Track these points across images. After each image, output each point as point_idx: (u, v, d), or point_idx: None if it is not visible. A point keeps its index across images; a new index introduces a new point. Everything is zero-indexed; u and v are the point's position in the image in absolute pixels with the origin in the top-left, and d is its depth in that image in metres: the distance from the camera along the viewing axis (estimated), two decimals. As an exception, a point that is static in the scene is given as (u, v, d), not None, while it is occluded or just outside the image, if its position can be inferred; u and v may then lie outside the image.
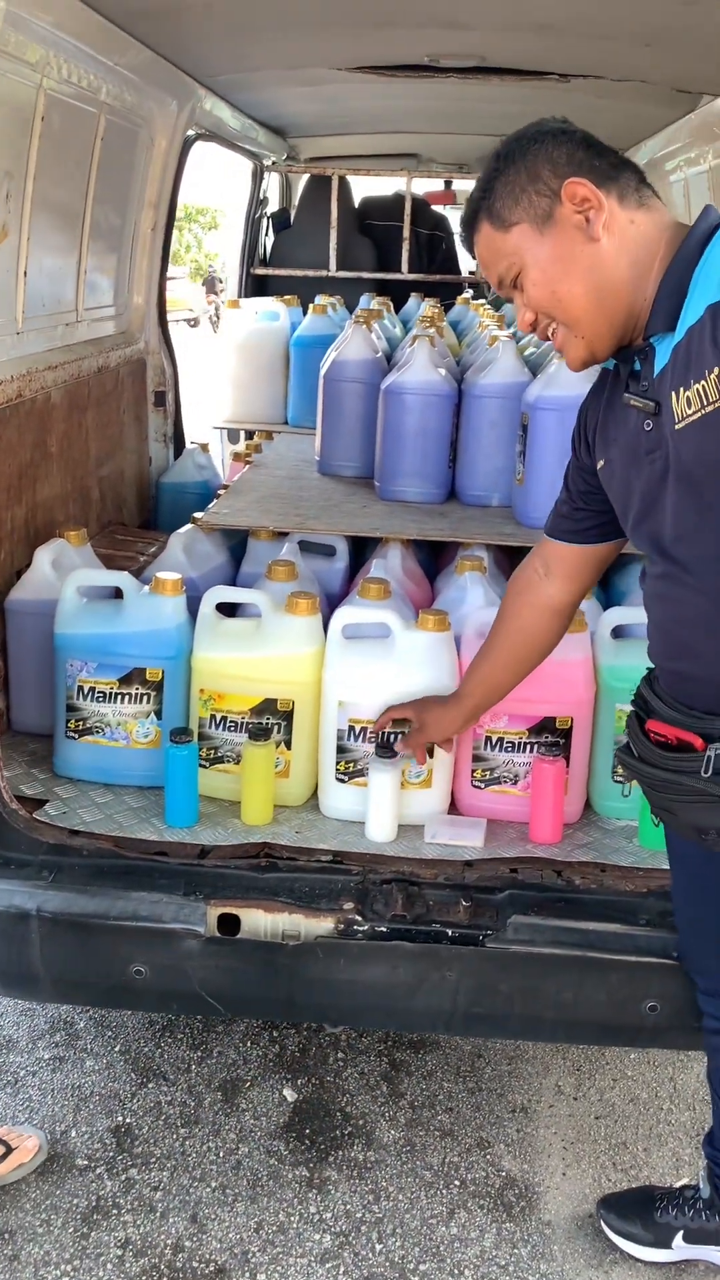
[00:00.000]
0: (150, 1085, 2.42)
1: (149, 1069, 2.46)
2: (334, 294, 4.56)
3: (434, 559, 2.98)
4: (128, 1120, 2.32)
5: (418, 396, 2.90)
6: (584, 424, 1.79)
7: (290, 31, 2.94)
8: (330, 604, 2.55)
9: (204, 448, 3.78)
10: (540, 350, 3.50)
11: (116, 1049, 2.51)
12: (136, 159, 3.31)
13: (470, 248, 1.63)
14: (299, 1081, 2.43)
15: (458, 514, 2.89)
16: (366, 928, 2.02)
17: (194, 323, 21.99)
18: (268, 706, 2.20)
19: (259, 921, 2.03)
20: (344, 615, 2.18)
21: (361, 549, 2.93)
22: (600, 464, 1.72)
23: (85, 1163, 2.20)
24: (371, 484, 3.05)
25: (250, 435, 4.06)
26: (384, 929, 2.02)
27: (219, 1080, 2.43)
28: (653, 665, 1.73)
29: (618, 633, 2.25)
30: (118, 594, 2.29)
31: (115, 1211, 2.10)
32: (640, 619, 2.25)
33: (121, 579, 2.27)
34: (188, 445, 3.84)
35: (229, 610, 2.35)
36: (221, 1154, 2.24)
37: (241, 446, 3.77)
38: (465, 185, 6.17)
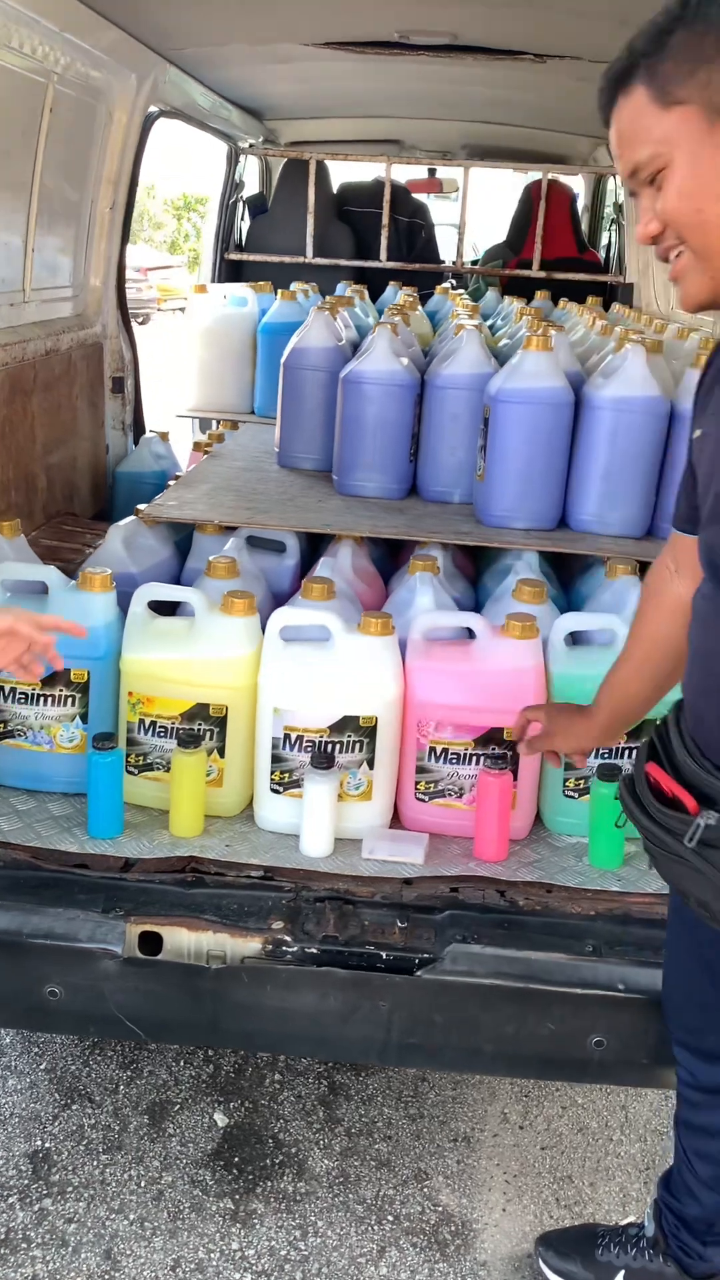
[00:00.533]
0: (74, 1107, 2.29)
1: (74, 1089, 2.34)
2: (311, 281, 4.44)
3: (392, 557, 2.85)
4: (47, 1145, 2.20)
5: (377, 386, 2.77)
6: (700, 386, 1.45)
7: (254, 3, 2.81)
8: (277, 603, 2.43)
9: (163, 436, 3.65)
10: (512, 341, 3.38)
11: (42, 1067, 2.39)
12: (93, 134, 3.17)
13: (605, 112, 1.28)
14: (232, 1105, 2.31)
15: (417, 510, 2.76)
16: (296, 949, 1.90)
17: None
18: (200, 712, 2.08)
19: (182, 940, 1.91)
20: (282, 616, 2.06)
21: (318, 546, 2.81)
22: (696, 433, 1.44)
23: (-3, 1191, 2.08)
24: (331, 478, 2.92)
25: (216, 424, 3.93)
26: (314, 951, 1.90)
27: (147, 1103, 2.31)
28: None
29: (574, 639, 2.13)
30: (46, 590, 2.16)
31: (24, 1245, 1.97)
32: (597, 624, 2.15)
33: (47, 573, 2.14)
34: (147, 433, 3.70)
35: (169, 610, 2.23)
36: (143, 1183, 2.12)
37: (204, 436, 3.64)
38: (449, 174, 6.04)
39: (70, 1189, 2.10)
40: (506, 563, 2.58)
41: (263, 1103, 2.33)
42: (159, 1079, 2.38)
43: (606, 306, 4.57)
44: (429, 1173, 2.18)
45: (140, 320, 20.54)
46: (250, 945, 1.90)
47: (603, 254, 5.49)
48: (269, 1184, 2.14)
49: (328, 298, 3.63)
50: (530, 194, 5.23)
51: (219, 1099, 2.33)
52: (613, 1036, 1.89)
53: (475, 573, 2.76)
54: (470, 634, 2.11)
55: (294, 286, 4.11)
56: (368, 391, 2.78)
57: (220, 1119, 2.28)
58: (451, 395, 2.78)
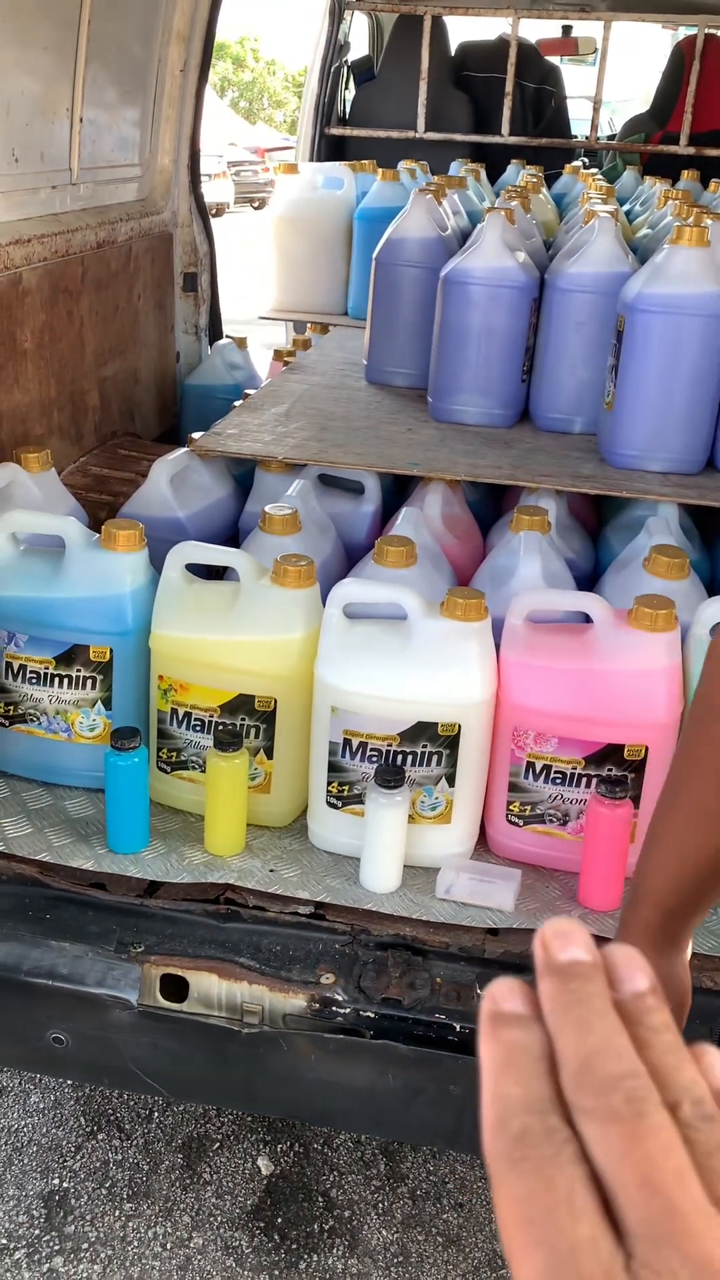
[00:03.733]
0: (100, 1137, 2.00)
1: (102, 1114, 2.05)
2: (421, 159, 3.86)
3: (495, 498, 2.38)
4: (65, 1185, 1.91)
5: (483, 287, 2.26)
6: None
7: None
8: (353, 561, 2.00)
9: (240, 342, 3.19)
10: (655, 232, 2.80)
11: (68, 1081, 2.10)
12: (158, -24, 2.66)
13: None
14: (279, 1148, 1.99)
15: (527, 443, 2.27)
16: (348, 1011, 1.53)
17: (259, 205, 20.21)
18: (243, 704, 1.68)
19: (211, 989, 1.56)
20: (346, 590, 1.63)
21: (405, 485, 2.35)
22: None
23: (3, 1241, 1.80)
24: (426, 399, 2.45)
25: (303, 329, 3.45)
26: (371, 1015, 1.52)
27: (183, 1136, 2.01)
28: None
29: (720, 629, 1.65)
30: (64, 545, 1.77)
31: (27, 1317, 1.70)
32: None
33: (64, 525, 1.75)
34: (222, 340, 3.25)
35: (216, 574, 1.83)
36: (169, 1244, 1.82)
37: (288, 342, 3.18)
38: (588, 30, 5.26)
39: (86, 1246, 1.81)
40: (638, 514, 2.09)
41: (315, 1147, 2.00)
42: (200, 1107, 2.07)
43: (768, 188, 3.87)
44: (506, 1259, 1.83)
45: (256, 205, 19.73)
46: (293, 1002, 1.54)
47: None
48: (315, 1258, 1.81)
49: (435, 178, 3.08)
50: (682, 53, 4.48)
51: (265, 1138, 2.01)
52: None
53: (598, 523, 2.27)
54: (587, 619, 1.65)
55: (400, 166, 3.56)
56: (472, 293, 2.27)
57: (265, 1165, 1.96)
58: (577, 300, 2.26)
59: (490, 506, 2.33)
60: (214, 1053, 1.58)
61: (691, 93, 4.14)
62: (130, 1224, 1.86)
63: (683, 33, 4.70)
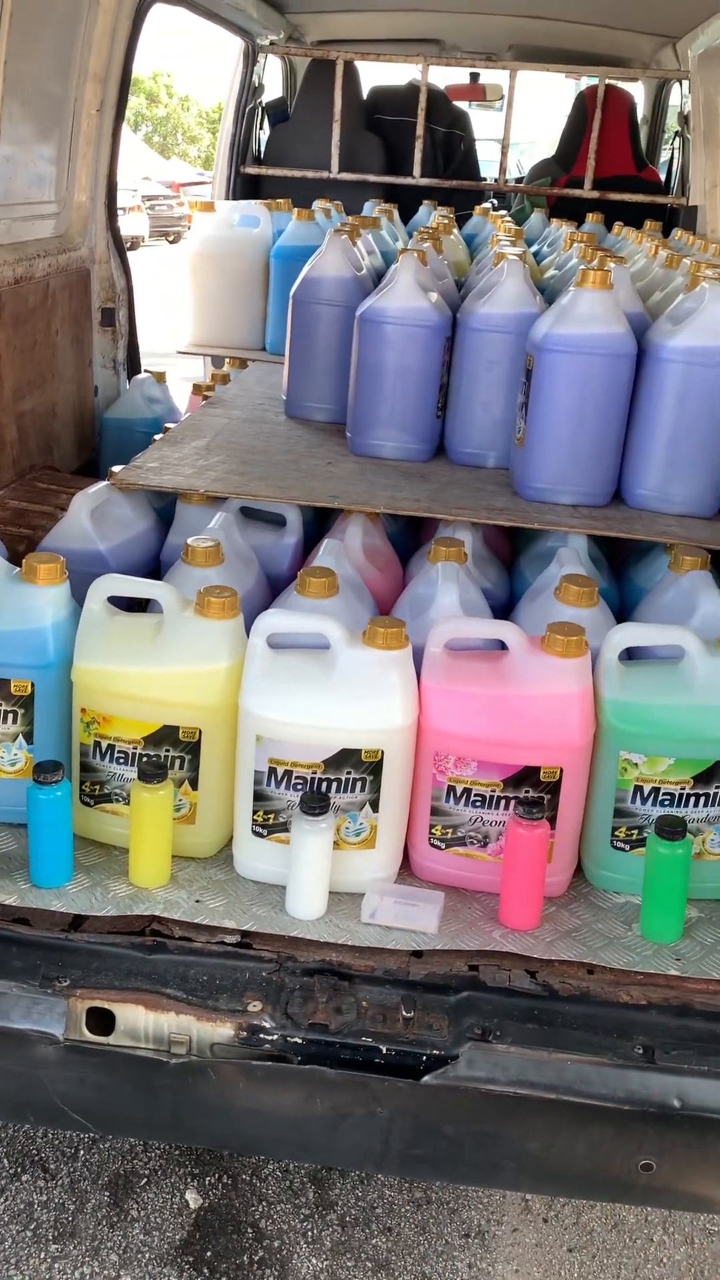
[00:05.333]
0: (25, 1178, 1.97)
1: (26, 1154, 2.02)
2: (335, 199, 3.95)
3: (413, 530, 2.43)
4: (-12, 1229, 1.88)
5: (399, 326, 2.33)
6: None
7: None
8: (275, 592, 2.03)
9: (159, 377, 3.21)
10: (562, 273, 2.91)
11: (-9, 1123, 2.07)
12: (75, 19, 2.69)
13: None
14: (207, 1180, 1.98)
15: (443, 477, 2.33)
16: (276, 1038, 1.54)
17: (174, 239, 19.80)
18: (167, 735, 1.69)
19: (138, 1021, 1.56)
20: (269, 621, 1.66)
21: (325, 517, 2.39)
22: None
23: None
24: (345, 433, 2.50)
25: (221, 363, 3.49)
26: (299, 1041, 1.54)
27: (109, 1174, 1.99)
28: None
29: (630, 654, 1.71)
30: (-16, 578, 1.77)
31: None
32: (662, 639, 1.73)
33: (-18, 560, 1.75)
34: (141, 374, 3.27)
35: (139, 605, 1.84)
36: (97, 1285, 1.80)
37: (207, 376, 3.21)
38: (493, 79, 5.44)
39: (10, 1290, 1.79)
40: (550, 545, 2.16)
41: (244, 1178, 2.00)
42: (126, 1142, 2.05)
43: (666, 232, 4.04)
44: (433, 1278, 1.85)
45: (171, 239, 19.75)
46: (220, 1031, 1.55)
47: (663, 172, 4.92)
48: (244, 1290, 1.81)
49: (349, 218, 3.16)
50: (584, 102, 4.66)
51: (193, 1171, 2.01)
52: (664, 1160, 1.53)
53: (511, 554, 2.34)
54: (503, 646, 1.70)
55: (315, 205, 3.63)
56: (388, 333, 2.34)
57: (193, 1199, 1.95)
58: (488, 339, 2.34)
59: (409, 538, 2.38)
60: (142, 1085, 1.57)
61: (594, 140, 4.30)
62: (56, 1265, 1.83)
63: (587, 82, 4.88)
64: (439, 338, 2.36)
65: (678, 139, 4.71)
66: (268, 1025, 1.55)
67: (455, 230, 3.66)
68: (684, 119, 4.50)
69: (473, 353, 2.36)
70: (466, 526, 2.10)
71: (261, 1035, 1.54)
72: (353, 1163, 1.80)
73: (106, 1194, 1.95)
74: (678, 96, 4.84)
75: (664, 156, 5.03)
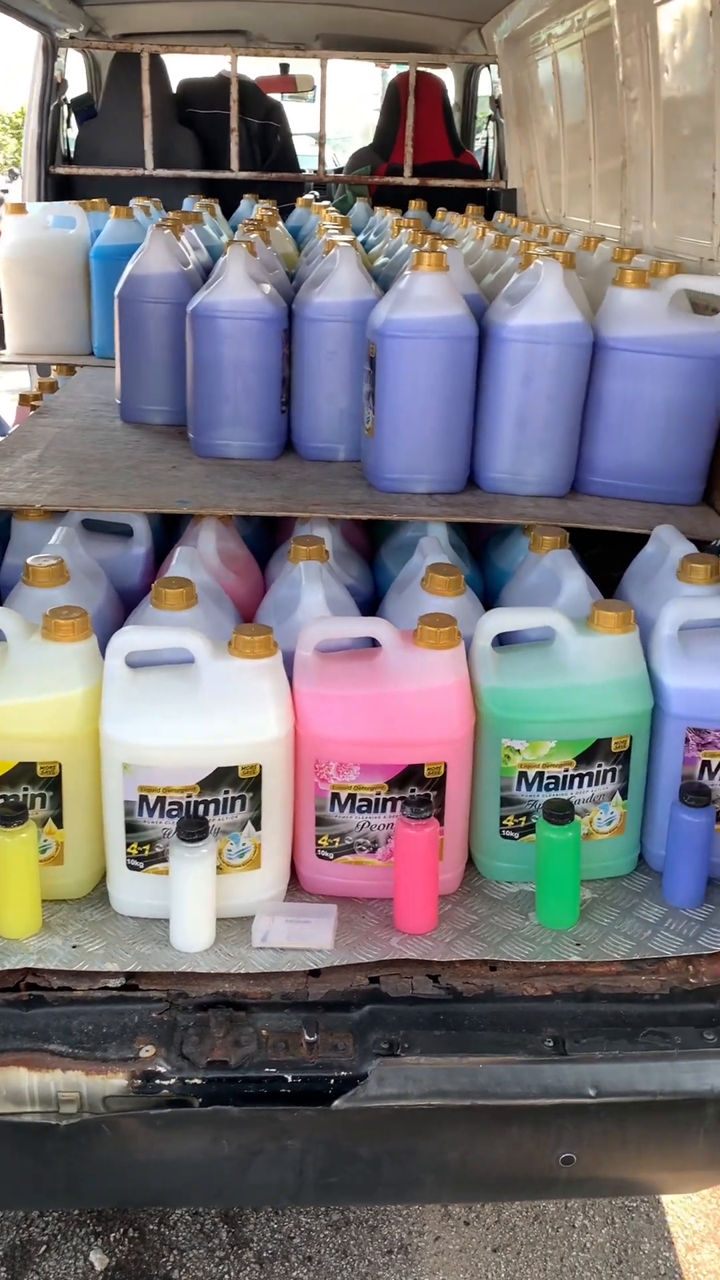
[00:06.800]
0: None
1: None
2: (153, 196, 3.82)
3: (269, 531, 2.35)
4: None
5: (233, 320, 2.24)
6: None
7: None
8: (128, 608, 1.92)
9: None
10: (393, 260, 2.88)
11: None
12: None
13: None
14: (112, 1237, 1.86)
15: (294, 474, 2.26)
16: (174, 1081, 1.44)
17: None
18: (23, 773, 1.57)
19: (20, 1083, 1.44)
20: (126, 639, 1.55)
21: (174, 524, 2.29)
22: None
23: None
24: (187, 435, 2.40)
25: (47, 371, 3.32)
26: (198, 1081, 1.45)
27: (4, 1246, 1.84)
28: None
29: (500, 640, 1.68)
30: None
31: None
32: (532, 621, 1.71)
33: None
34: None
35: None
36: None
37: (33, 385, 3.05)
38: (305, 68, 5.39)
39: None
40: (409, 535, 2.12)
41: (151, 1228, 1.89)
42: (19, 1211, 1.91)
43: (488, 215, 4.07)
44: (362, 1302, 1.79)
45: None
46: (113, 1083, 1.44)
47: (479, 157, 4.97)
48: (163, 1349, 1.71)
49: (170, 214, 3.05)
50: (397, 90, 4.66)
51: (95, 1230, 1.88)
52: (584, 1150, 1.50)
53: (371, 547, 2.29)
54: (374, 643, 1.64)
55: (133, 203, 3.50)
56: (223, 327, 2.25)
57: (98, 1260, 1.83)
58: (327, 329, 2.28)
59: (264, 539, 2.30)
60: (31, 1153, 1.45)
61: (410, 127, 4.30)
62: None
63: (398, 70, 4.88)
64: (276, 330, 2.28)
65: (491, 123, 4.76)
66: (163, 1070, 1.45)
67: (280, 223, 3.59)
68: (496, 103, 4.55)
69: (312, 344, 2.29)
70: (324, 523, 2.03)
71: (158, 1081, 1.45)
72: (268, 1200, 1.72)
73: (2, 1269, 1.81)
74: (488, 82, 4.89)
75: (479, 141, 5.07)
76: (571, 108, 3.55)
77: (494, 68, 4.41)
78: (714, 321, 2.09)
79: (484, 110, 4.97)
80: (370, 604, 2.00)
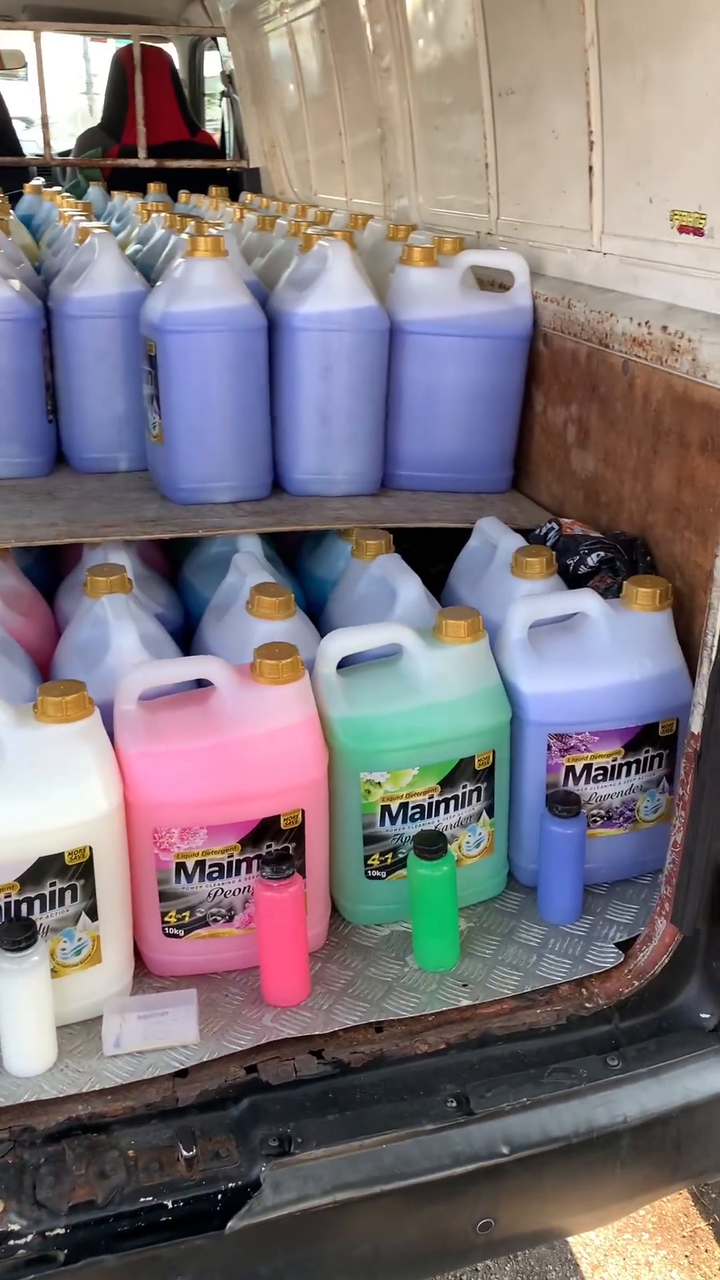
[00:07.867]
0: None
1: None
2: None
3: (49, 561, 2.08)
4: None
5: (-18, 323, 1.95)
6: None
7: None
8: None
9: None
10: (149, 247, 2.64)
11: None
12: None
13: None
14: None
15: (73, 491, 2.01)
16: (30, 1238, 1.21)
17: None
18: None
19: None
20: None
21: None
22: None
23: None
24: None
25: None
26: (61, 1232, 1.21)
27: None
28: None
29: (343, 666, 1.51)
30: None
31: None
32: (377, 639, 1.54)
33: None
34: None
35: None
36: None
37: None
38: (13, 44, 4.97)
39: None
40: (215, 550, 1.91)
41: None
42: None
43: (233, 197, 3.87)
44: None
45: None
46: (-45, 1256, 1.19)
47: (217, 136, 4.75)
48: None
49: None
50: (122, 65, 4.36)
51: None
52: (502, 1212, 1.37)
53: (169, 564, 2.06)
54: (202, 683, 1.44)
55: None
56: (-30, 331, 1.96)
57: None
58: (93, 326, 2.03)
59: (45, 570, 2.03)
60: None
61: (140, 105, 4.02)
62: None
63: (120, 44, 4.58)
64: (33, 330, 2.01)
65: (225, 100, 4.55)
66: (16, 1226, 1.21)
67: (11, 212, 3.26)
68: (228, 79, 4.35)
69: (77, 344, 2.04)
70: (119, 546, 1.80)
71: (11, 1241, 1.20)
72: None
73: None
74: (215, 57, 4.67)
75: (211, 118, 4.85)
76: (313, 80, 3.40)
77: (223, 41, 4.20)
78: (508, 298, 2.00)
79: (215, 87, 4.75)
80: (180, 634, 1.79)
